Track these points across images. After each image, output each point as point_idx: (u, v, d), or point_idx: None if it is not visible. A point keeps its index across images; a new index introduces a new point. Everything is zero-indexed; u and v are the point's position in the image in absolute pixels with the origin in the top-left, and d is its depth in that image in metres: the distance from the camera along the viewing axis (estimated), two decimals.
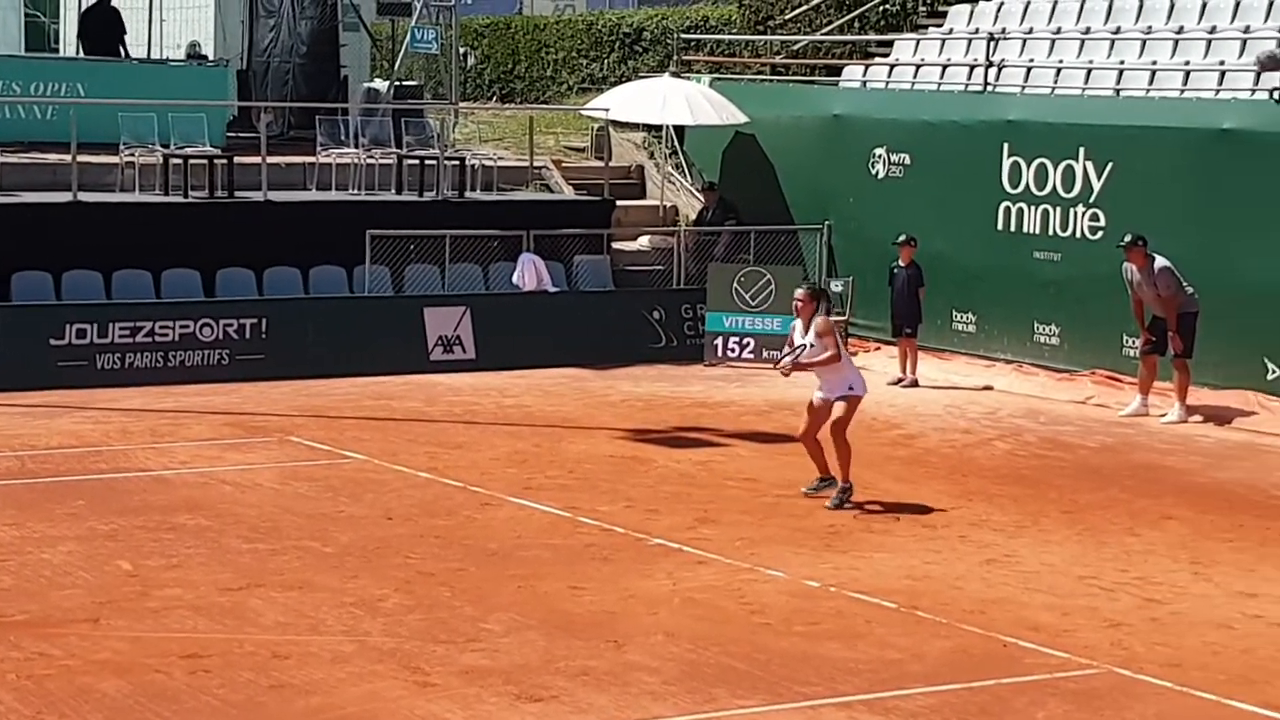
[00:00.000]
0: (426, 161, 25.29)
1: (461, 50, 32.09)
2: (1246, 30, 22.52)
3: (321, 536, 14.32)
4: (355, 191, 25.09)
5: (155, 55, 28.86)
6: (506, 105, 34.12)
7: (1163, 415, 20.34)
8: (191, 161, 23.97)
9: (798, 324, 15.61)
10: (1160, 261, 20.20)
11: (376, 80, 29.62)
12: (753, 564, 13.75)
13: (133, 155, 24.03)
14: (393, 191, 25.21)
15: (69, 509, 15.12)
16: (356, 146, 25.42)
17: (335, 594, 12.63)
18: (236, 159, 24.25)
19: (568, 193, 26.85)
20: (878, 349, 24.63)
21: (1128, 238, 20.37)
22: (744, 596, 12.85)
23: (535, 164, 27.12)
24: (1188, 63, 22.76)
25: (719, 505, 15.81)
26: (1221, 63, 22.35)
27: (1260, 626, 12.32)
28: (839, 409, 15.55)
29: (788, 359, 15.52)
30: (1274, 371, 20.40)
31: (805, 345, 15.44)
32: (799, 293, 15.66)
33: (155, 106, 24.53)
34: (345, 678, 10.76)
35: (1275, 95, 20.72)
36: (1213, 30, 23.03)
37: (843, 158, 25.36)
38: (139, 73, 27.20)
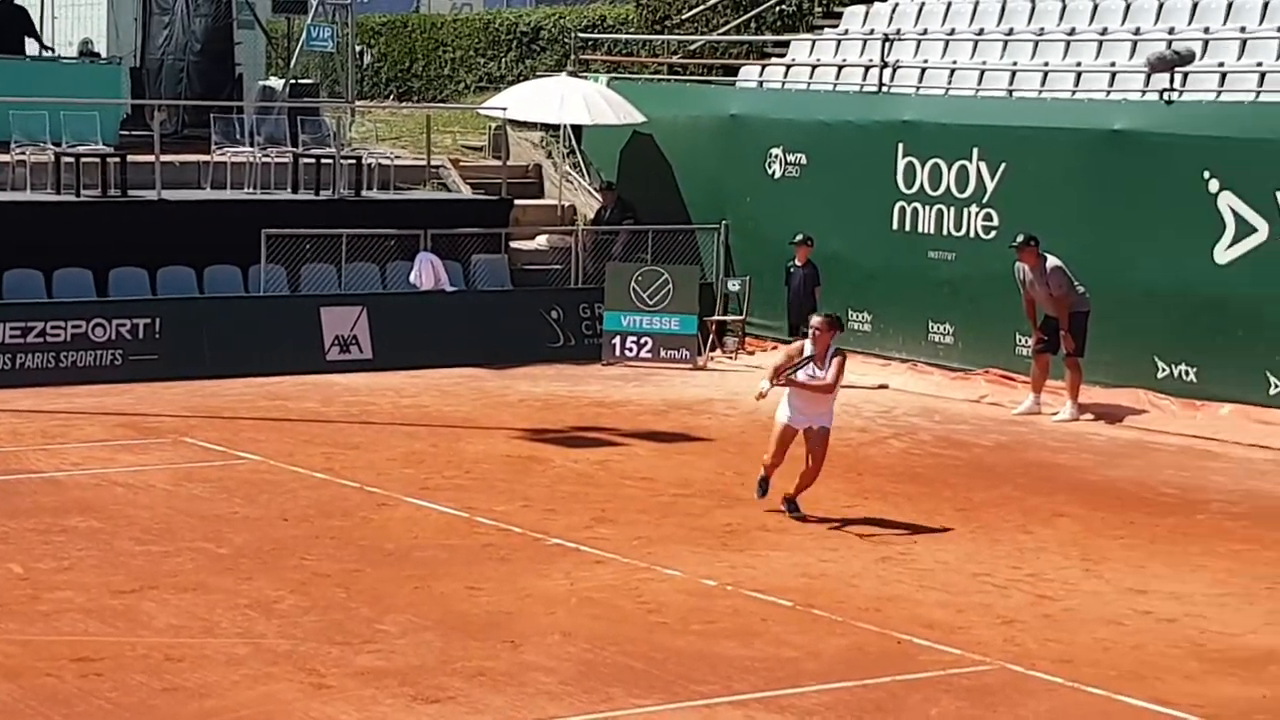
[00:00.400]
0: (322, 160, 25.15)
1: (358, 48, 31.96)
2: (1137, 32, 22.79)
3: (216, 538, 14.22)
4: (250, 190, 24.91)
5: (47, 52, 28.55)
6: (403, 104, 33.99)
7: (1055, 414, 20.55)
8: (84, 160, 23.72)
9: (807, 347, 15.24)
10: (1052, 261, 20.42)
11: (272, 78, 29.43)
12: (650, 563, 13.77)
13: (24, 154, 23.75)
14: (288, 190, 25.05)
15: None
16: (251, 145, 25.24)
17: (230, 596, 12.54)
18: (130, 157, 24.02)
19: (465, 192, 26.80)
20: (774, 348, 24.70)
21: (1020, 238, 20.57)
22: (641, 596, 12.87)
23: (432, 163, 27.03)
24: (1079, 64, 23.01)
25: (616, 505, 15.83)
26: (1112, 64, 22.61)
27: (1150, 623, 12.48)
28: (818, 438, 15.29)
29: (788, 375, 15.11)
30: (1164, 370, 20.66)
31: (807, 362, 15.12)
32: (816, 320, 15.30)
33: (47, 104, 24.24)
34: (240, 680, 10.69)
35: (1165, 96, 20.99)
36: (1104, 32, 23.29)
37: (739, 157, 25.46)
38: (31, 70, 26.91)
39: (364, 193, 25.30)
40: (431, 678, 10.81)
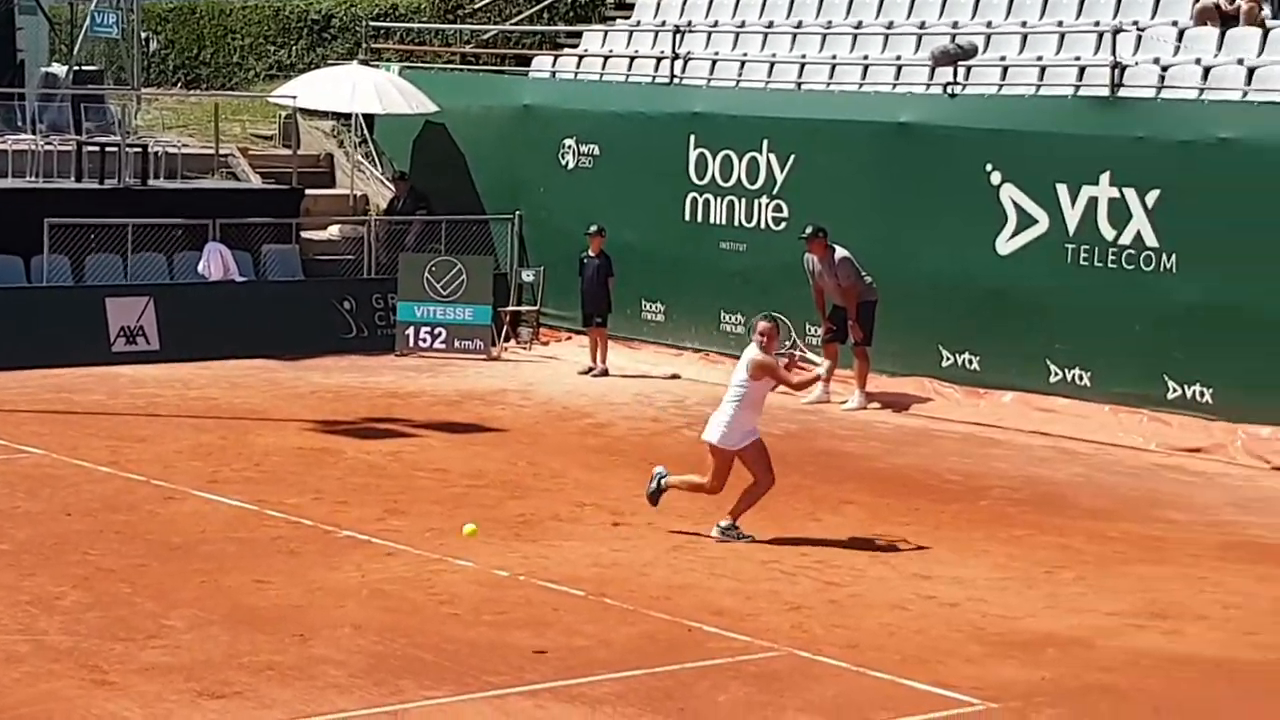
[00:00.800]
0: (108, 149, 24.71)
1: (144, 35, 31.41)
2: (922, 26, 23.18)
3: None
4: (33, 179, 24.40)
5: None
6: (191, 92, 33.48)
7: (844, 402, 20.85)
8: None
9: (754, 352, 14.60)
10: (840, 252, 20.71)
11: (55, 65, 28.83)
12: (442, 554, 13.74)
13: None
14: (72, 179, 24.58)
15: None
16: (34, 133, 24.74)
17: (10, 592, 12.29)
18: None
19: (255, 181, 26.49)
20: (568, 338, 24.80)
21: (809, 229, 20.84)
22: (433, 587, 12.84)
23: (221, 152, 26.69)
24: (866, 57, 23.36)
25: (409, 496, 15.77)
26: (898, 58, 22.98)
27: (933, 607, 12.72)
28: (754, 452, 14.49)
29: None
30: (948, 359, 21.06)
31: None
32: (763, 324, 14.51)
33: None
34: (20, 678, 10.48)
35: (949, 89, 21.38)
36: (890, 26, 23.66)
37: (533, 148, 25.46)
38: None
39: (151, 182, 24.90)
40: (218, 673, 10.69)
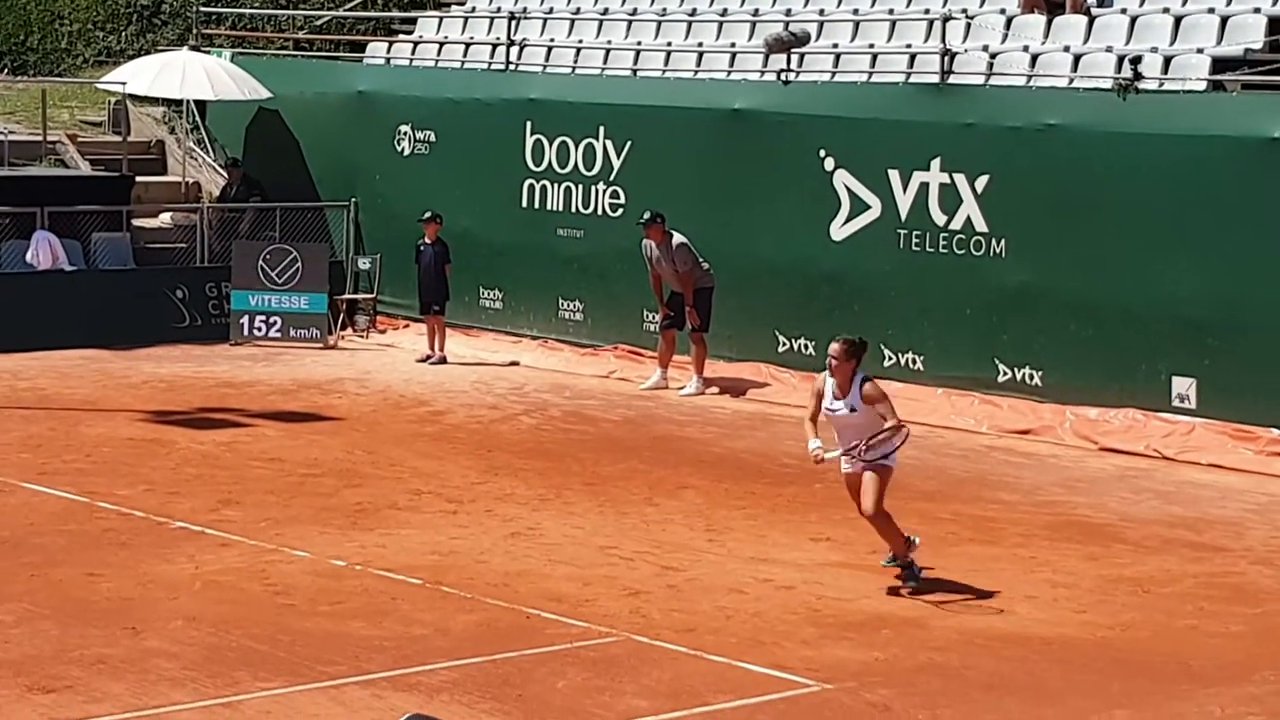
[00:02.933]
0: None
1: None
2: (756, 14, 23.31)
3: None
4: None
5: None
6: (18, 78, 32.83)
7: (681, 388, 20.95)
8: None
9: (828, 382, 12.73)
10: (678, 238, 20.80)
11: None
12: (278, 544, 13.64)
13: None
14: None
15: None
16: None
17: None
18: None
19: (84, 168, 26.06)
20: (406, 326, 24.68)
21: (646, 215, 20.91)
22: (268, 578, 12.74)
23: (49, 139, 26.22)
24: (700, 44, 23.45)
25: (244, 486, 15.63)
26: (732, 45, 23.10)
27: (769, 590, 12.83)
28: (874, 480, 12.67)
29: (841, 451, 12.68)
30: (785, 344, 21.22)
31: (844, 410, 12.60)
32: (835, 348, 12.64)
33: None
34: None
35: (782, 77, 21.53)
36: (724, 13, 23.77)
37: (368, 134, 25.28)
38: None
39: None
40: (48, 667, 10.54)
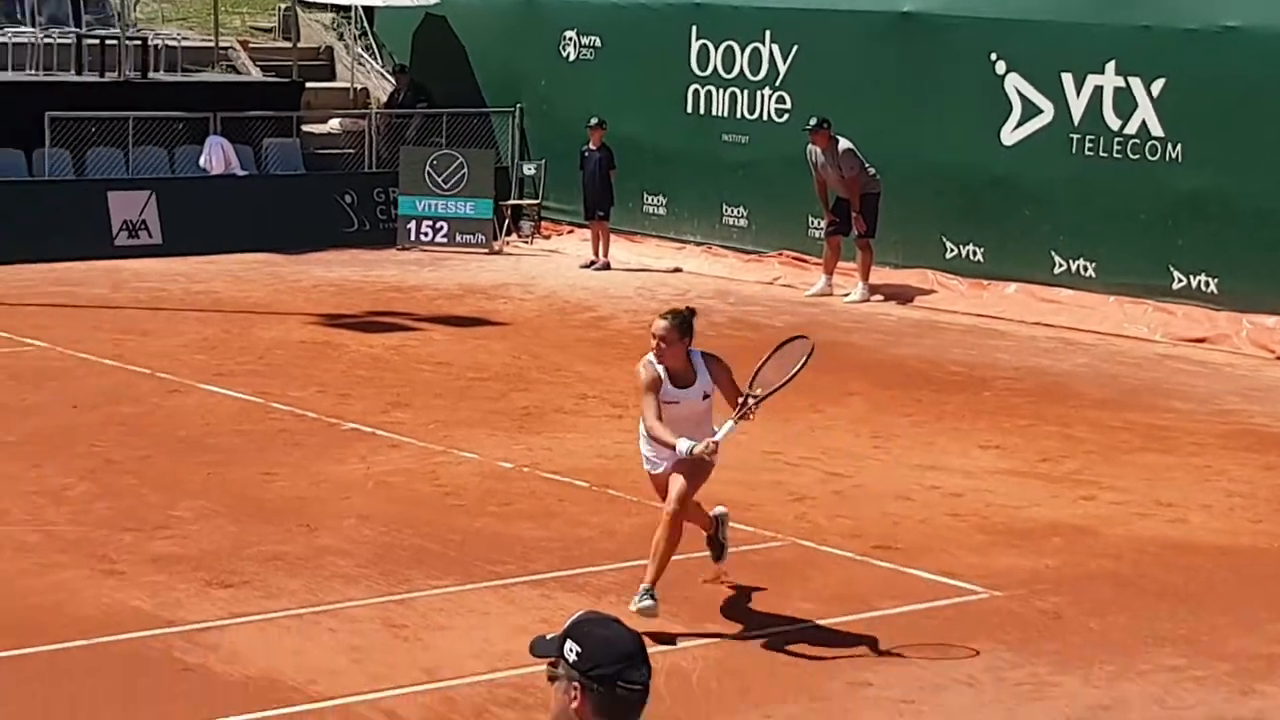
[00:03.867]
0: (107, 41, 24.55)
1: None
2: None
3: (3, 425, 13.95)
4: (33, 72, 24.26)
5: None
6: None
7: (846, 295, 20.83)
8: None
9: (660, 371, 9.85)
10: (844, 143, 20.62)
11: None
12: (446, 446, 13.77)
13: None
14: (72, 72, 24.44)
15: None
16: (33, 25, 24.55)
17: (18, 483, 12.33)
18: None
19: (255, 74, 26.34)
20: (570, 232, 24.75)
21: (812, 120, 20.74)
22: (438, 479, 12.88)
23: (221, 45, 26.51)
24: None
25: (412, 389, 15.79)
26: None
27: (937, 497, 12.76)
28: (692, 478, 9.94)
29: (705, 444, 9.66)
30: (952, 250, 21.01)
31: (696, 396, 9.95)
32: (660, 326, 9.84)
33: None
34: (29, 568, 10.53)
35: None
36: None
37: (534, 40, 25.29)
38: None
39: (151, 75, 24.75)
40: (226, 562, 10.75)
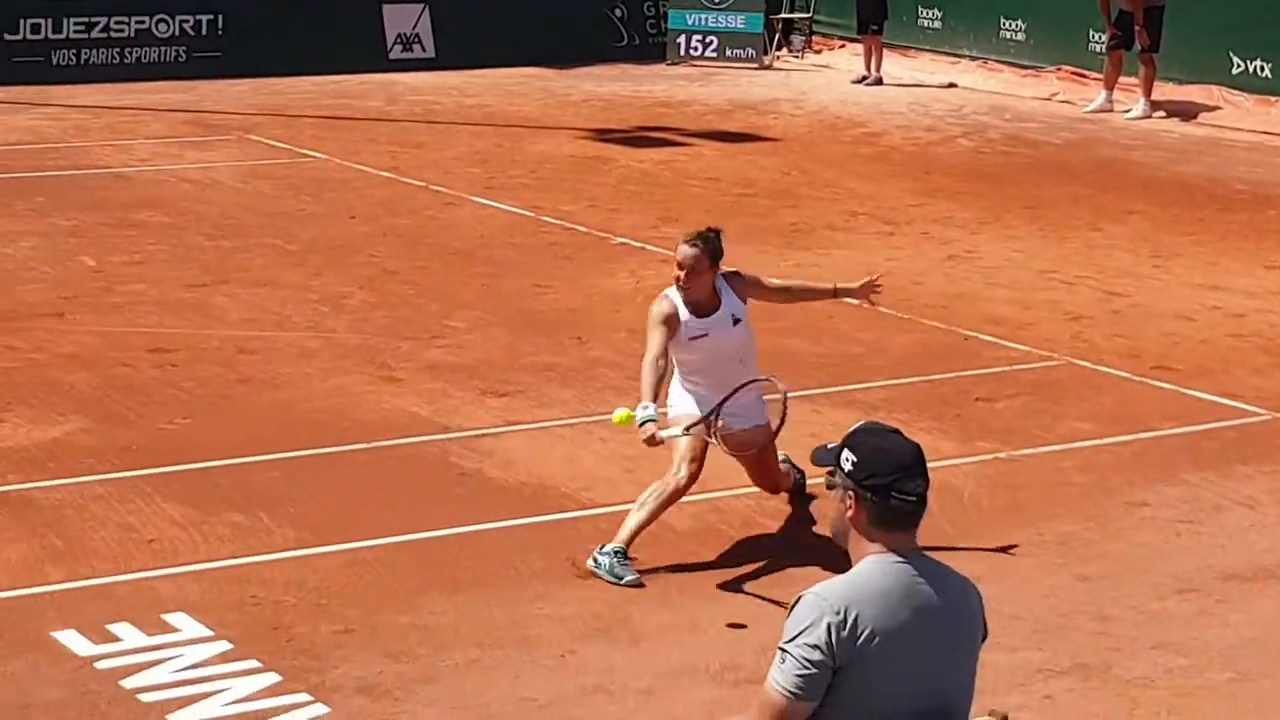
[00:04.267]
0: None
1: None
2: None
3: (284, 234, 14.28)
4: None
5: None
6: None
7: (1127, 111, 20.28)
8: None
9: (676, 303, 8.38)
10: None
11: None
12: None
13: None
14: None
15: (30, 204, 15.04)
16: None
17: (299, 291, 12.63)
18: None
19: None
20: (842, 46, 24.41)
21: None
22: None
23: None
24: None
25: (681, 204, 15.78)
26: None
27: (1219, 318, 12.43)
28: (763, 438, 8.38)
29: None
30: (1239, 65, 20.29)
31: (723, 324, 8.41)
32: (685, 252, 8.37)
33: None
34: (312, 373, 10.81)
35: None
36: None
37: None
38: None
39: None
40: (500, 372, 10.91)
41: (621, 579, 7.89)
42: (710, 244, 8.39)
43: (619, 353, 11.37)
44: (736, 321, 8.45)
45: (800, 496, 8.90)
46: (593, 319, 12.17)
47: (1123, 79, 20.55)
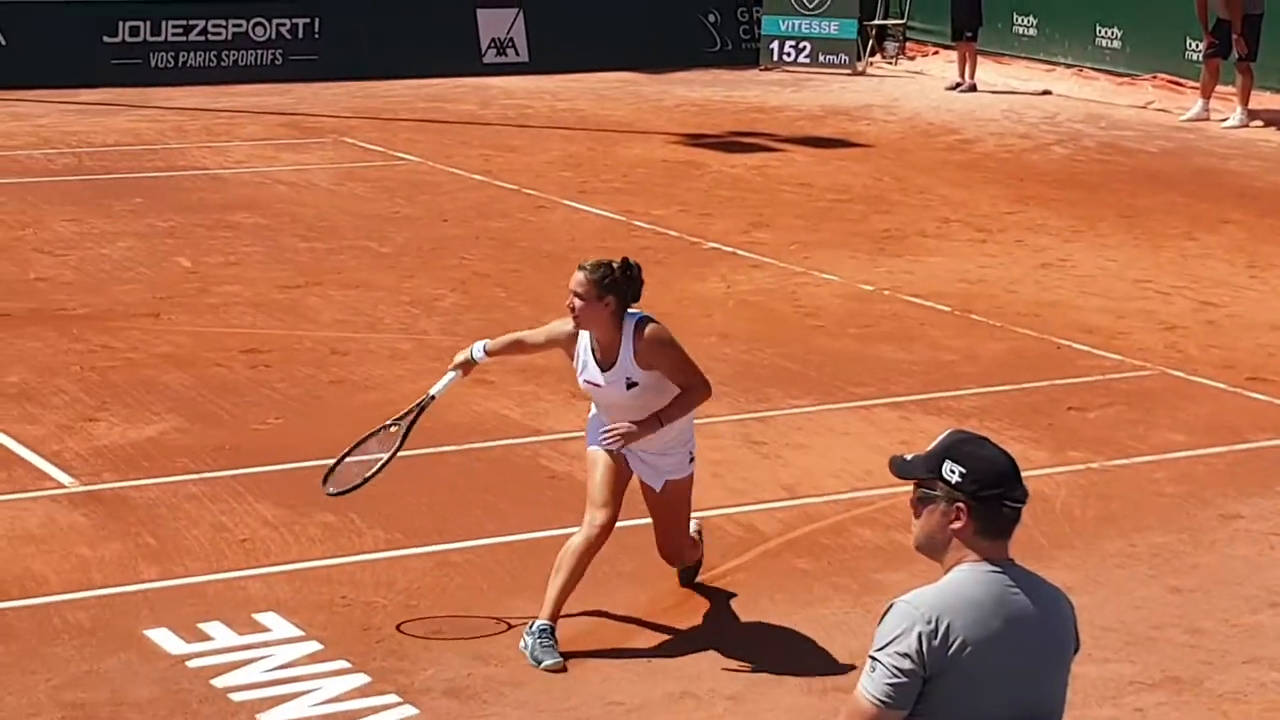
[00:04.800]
0: None
1: None
2: None
3: (378, 237, 14.38)
4: None
5: None
6: None
7: (1224, 120, 20.09)
8: None
9: (580, 335, 7.49)
10: None
11: None
12: (807, 268, 13.74)
13: None
14: None
15: (128, 205, 15.21)
16: None
17: (392, 293, 12.71)
18: None
19: None
20: (936, 53, 24.31)
21: None
22: (798, 299, 12.87)
23: None
24: None
25: (773, 210, 15.77)
26: None
27: None
28: (677, 489, 7.72)
29: (612, 435, 7.40)
30: None
31: (615, 384, 7.45)
32: (577, 279, 7.29)
33: None
34: (403, 374, 10.87)
35: None
36: None
37: None
38: None
39: None
40: None
41: (540, 663, 7.08)
42: (604, 276, 7.22)
43: (709, 357, 11.32)
44: (630, 386, 7.34)
45: (691, 578, 7.97)
46: (683, 323, 12.10)
47: (1220, 87, 20.36)
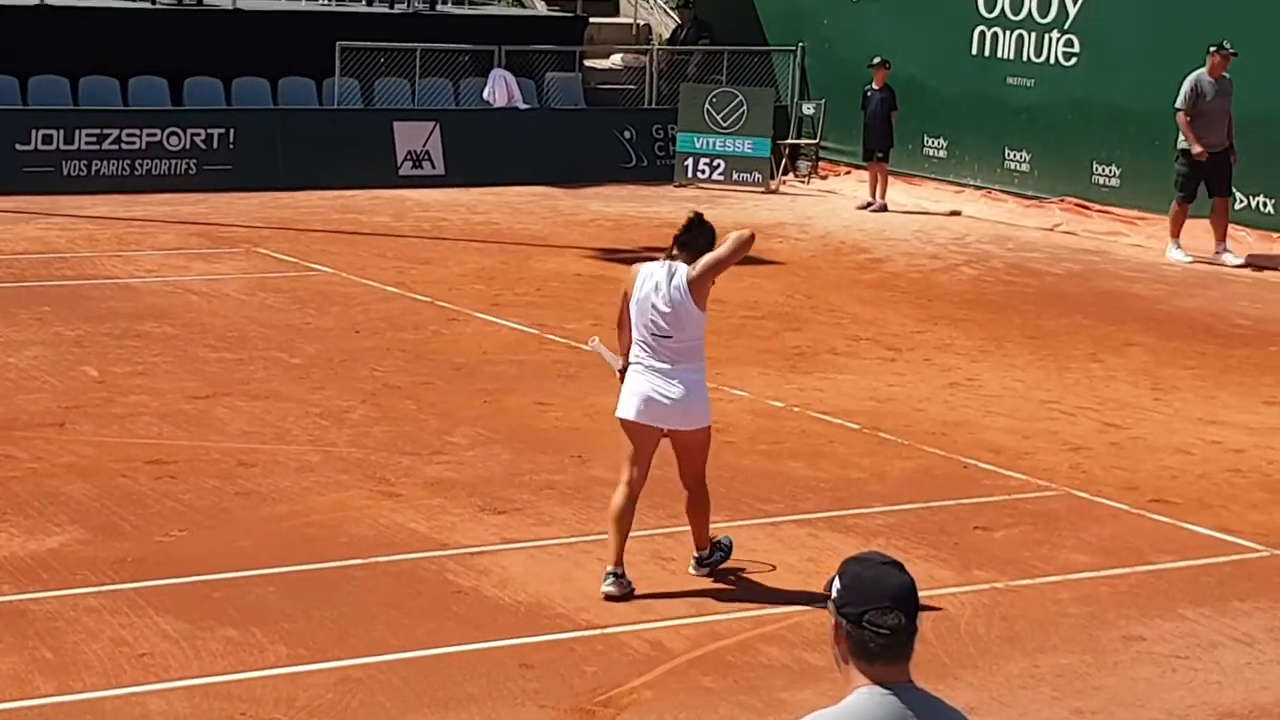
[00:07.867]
0: None
1: None
2: None
3: (288, 348, 14.34)
4: (325, 1, 24.79)
5: None
6: None
7: (1236, 260, 19.55)
8: None
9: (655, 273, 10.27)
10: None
11: None
12: (718, 383, 13.74)
13: None
14: (363, 3, 24.93)
15: (35, 314, 15.10)
16: None
17: (301, 404, 12.66)
18: None
19: (540, 8, 26.59)
20: (848, 173, 24.58)
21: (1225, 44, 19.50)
22: None
23: None
24: None
25: None
26: None
27: (1217, 452, 12.44)
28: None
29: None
30: (1241, 201, 20.40)
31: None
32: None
33: None
34: (311, 486, 10.82)
35: None
36: None
37: None
38: None
39: (438, 7, 25.16)
40: (499, 489, 10.92)
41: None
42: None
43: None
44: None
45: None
46: (594, 438, 12.18)
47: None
